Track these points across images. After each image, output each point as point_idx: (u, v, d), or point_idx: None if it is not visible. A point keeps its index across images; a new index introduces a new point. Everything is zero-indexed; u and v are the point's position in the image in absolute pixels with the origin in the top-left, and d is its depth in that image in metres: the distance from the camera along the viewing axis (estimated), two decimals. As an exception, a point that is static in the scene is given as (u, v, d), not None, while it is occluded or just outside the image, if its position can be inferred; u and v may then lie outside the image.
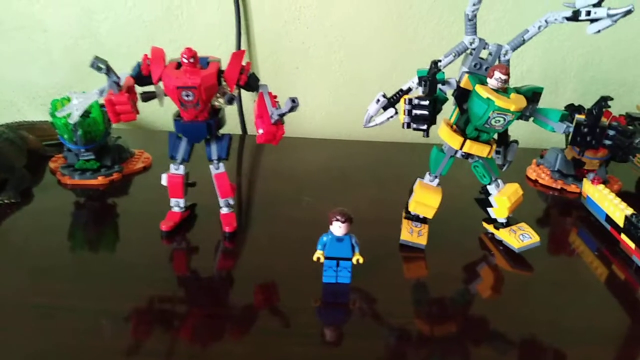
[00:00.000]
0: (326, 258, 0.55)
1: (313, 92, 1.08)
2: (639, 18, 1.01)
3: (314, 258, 0.55)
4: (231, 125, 1.07)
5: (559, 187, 0.86)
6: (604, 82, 1.08)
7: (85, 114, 0.75)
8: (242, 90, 0.97)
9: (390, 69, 1.05)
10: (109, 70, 0.58)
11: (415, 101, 0.55)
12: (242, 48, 1.02)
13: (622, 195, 0.85)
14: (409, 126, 0.57)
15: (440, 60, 0.58)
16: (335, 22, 1.01)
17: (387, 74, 1.06)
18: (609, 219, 0.69)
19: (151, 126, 1.09)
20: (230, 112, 1.06)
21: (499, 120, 0.57)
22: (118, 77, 0.59)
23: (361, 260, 0.55)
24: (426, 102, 0.55)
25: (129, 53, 0.60)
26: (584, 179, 0.76)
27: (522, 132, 1.08)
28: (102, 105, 0.76)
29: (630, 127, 0.62)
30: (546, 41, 1.04)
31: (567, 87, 1.08)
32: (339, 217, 0.52)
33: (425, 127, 0.57)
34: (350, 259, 0.55)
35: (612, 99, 0.58)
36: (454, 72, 0.62)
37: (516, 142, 0.66)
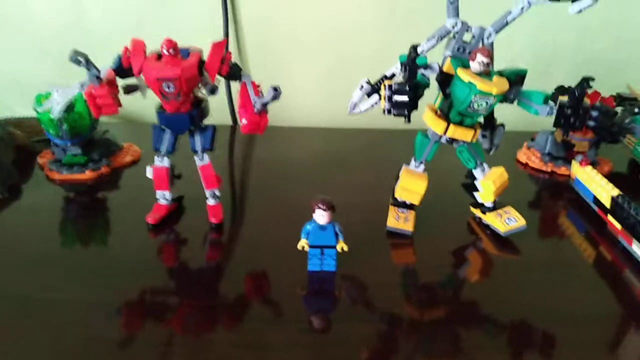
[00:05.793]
0: (310, 246, 0.55)
1: (304, 79, 1.07)
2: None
3: (299, 247, 0.55)
4: (222, 117, 1.06)
5: (549, 169, 0.86)
6: (596, 63, 1.07)
7: (70, 108, 0.75)
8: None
9: (383, 55, 1.03)
10: (88, 64, 0.57)
11: (395, 87, 0.55)
12: (231, 35, 1.01)
13: (613, 176, 0.85)
14: (389, 112, 0.56)
15: (419, 45, 0.57)
16: (326, 8, 1.00)
17: (379, 60, 1.04)
18: (596, 200, 0.69)
19: (141, 119, 1.09)
20: (220, 103, 1.05)
21: (482, 104, 0.56)
22: (98, 70, 0.58)
23: (345, 248, 0.55)
24: (406, 88, 0.54)
25: (119, 42, 0.60)
26: (572, 161, 0.76)
27: (515, 115, 1.07)
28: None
29: (613, 109, 0.62)
30: (537, 24, 1.02)
31: (559, 70, 1.07)
32: (321, 205, 0.52)
33: (405, 112, 0.56)
34: (334, 247, 0.55)
35: (593, 79, 0.57)
36: (439, 56, 0.61)
37: (502, 125, 0.65)
